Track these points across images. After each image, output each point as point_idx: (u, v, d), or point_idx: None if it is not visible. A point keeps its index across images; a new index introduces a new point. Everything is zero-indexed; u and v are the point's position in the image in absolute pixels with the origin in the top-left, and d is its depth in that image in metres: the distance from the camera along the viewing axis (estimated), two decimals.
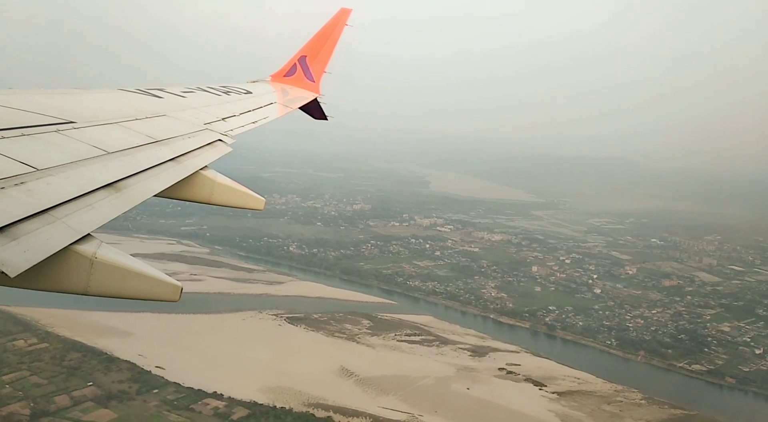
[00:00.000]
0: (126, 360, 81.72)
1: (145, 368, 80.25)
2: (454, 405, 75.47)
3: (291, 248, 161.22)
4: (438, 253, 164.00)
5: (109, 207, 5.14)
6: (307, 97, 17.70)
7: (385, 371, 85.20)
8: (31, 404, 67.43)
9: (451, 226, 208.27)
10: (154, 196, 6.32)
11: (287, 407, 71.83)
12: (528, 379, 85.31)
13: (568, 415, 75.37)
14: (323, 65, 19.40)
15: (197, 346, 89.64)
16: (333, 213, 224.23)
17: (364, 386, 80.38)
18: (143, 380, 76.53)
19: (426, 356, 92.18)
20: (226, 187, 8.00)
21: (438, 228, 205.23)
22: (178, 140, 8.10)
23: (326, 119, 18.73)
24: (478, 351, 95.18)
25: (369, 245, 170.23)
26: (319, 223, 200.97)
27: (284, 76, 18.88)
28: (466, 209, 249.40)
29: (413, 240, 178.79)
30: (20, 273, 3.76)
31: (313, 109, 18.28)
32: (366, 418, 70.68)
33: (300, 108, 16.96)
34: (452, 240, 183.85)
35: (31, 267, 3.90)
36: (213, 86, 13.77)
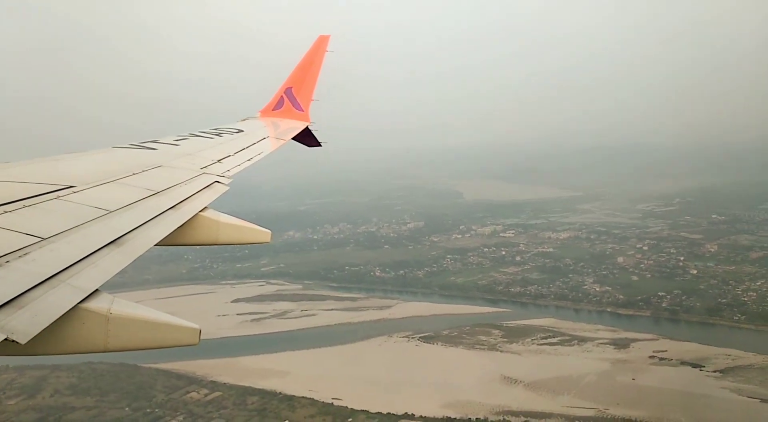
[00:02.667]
0: (302, 397, 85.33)
1: (324, 401, 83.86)
2: (630, 396, 78.76)
3: (376, 273, 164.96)
4: (518, 258, 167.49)
5: (112, 262, 5.20)
6: (299, 127, 17.80)
7: (545, 374, 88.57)
8: None
9: (513, 231, 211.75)
10: (158, 245, 6.44)
11: (482, 417, 75.31)
12: (683, 363, 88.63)
13: (742, 389, 78.59)
14: (309, 94, 19.57)
15: (354, 375, 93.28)
16: (392, 234, 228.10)
17: (536, 390, 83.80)
18: (331, 412, 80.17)
19: (573, 355, 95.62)
20: (230, 225, 8.25)
21: (500, 234, 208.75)
22: (176, 188, 8.26)
23: (320, 146, 18.80)
24: (619, 344, 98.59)
25: (448, 259, 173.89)
26: (386, 246, 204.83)
27: (273, 109, 19.11)
28: (514, 213, 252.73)
29: (486, 249, 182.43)
30: (36, 340, 3.87)
31: (306, 138, 18.38)
32: (558, 418, 73.99)
33: (293, 138, 16.99)
34: (522, 244, 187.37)
35: (47, 332, 4.01)
36: (204, 130, 14.07)
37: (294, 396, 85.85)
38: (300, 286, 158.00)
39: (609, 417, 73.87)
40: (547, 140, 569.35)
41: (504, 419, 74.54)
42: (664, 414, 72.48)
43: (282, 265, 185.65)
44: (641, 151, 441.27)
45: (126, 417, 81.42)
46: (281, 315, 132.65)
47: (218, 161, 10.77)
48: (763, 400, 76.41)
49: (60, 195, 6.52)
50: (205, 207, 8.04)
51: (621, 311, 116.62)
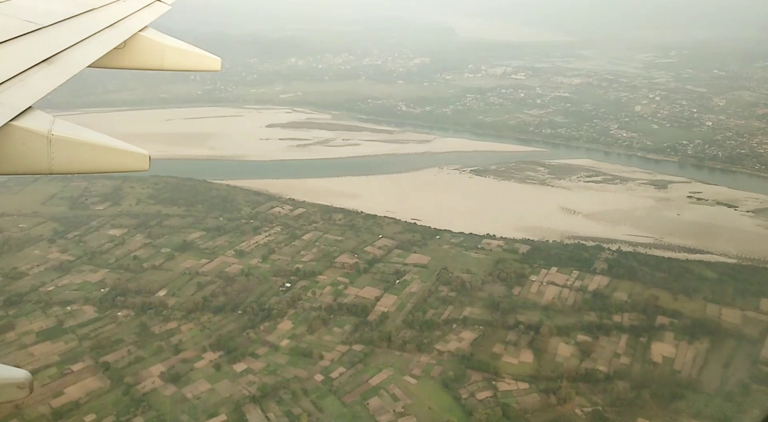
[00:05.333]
0: (383, 216, 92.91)
1: (405, 220, 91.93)
2: (679, 228, 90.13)
3: (402, 107, 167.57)
4: (539, 101, 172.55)
5: (45, 81, 5.01)
6: None
7: (599, 207, 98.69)
8: (356, 257, 79.51)
9: (523, 73, 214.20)
10: (95, 66, 6.14)
11: (558, 240, 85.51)
12: (718, 202, 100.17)
13: None
14: None
15: (422, 200, 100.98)
16: (401, 69, 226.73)
17: (594, 220, 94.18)
18: (416, 230, 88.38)
19: (619, 193, 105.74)
20: (177, 49, 7.88)
21: (512, 76, 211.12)
22: (113, 5, 7.70)
23: None
24: (657, 184, 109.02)
25: (469, 98, 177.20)
26: (400, 82, 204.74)
27: None
28: (516, 55, 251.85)
29: (503, 90, 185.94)
30: None
31: None
32: (623, 244, 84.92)
33: None
34: (538, 87, 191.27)
35: None
36: None
37: (376, 215, 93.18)
38: (329, 116, 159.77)
39: (666, 244, 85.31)
40: None
41: (578, 242, 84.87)
42: (712, 245, 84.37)
43: (300, 93, 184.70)
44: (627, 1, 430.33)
45: (225, 226, 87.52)
46: (324, 142, 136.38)
47: None
48: None
49: None
50: (146, 26, 7.56)
51: (650, 156, 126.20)
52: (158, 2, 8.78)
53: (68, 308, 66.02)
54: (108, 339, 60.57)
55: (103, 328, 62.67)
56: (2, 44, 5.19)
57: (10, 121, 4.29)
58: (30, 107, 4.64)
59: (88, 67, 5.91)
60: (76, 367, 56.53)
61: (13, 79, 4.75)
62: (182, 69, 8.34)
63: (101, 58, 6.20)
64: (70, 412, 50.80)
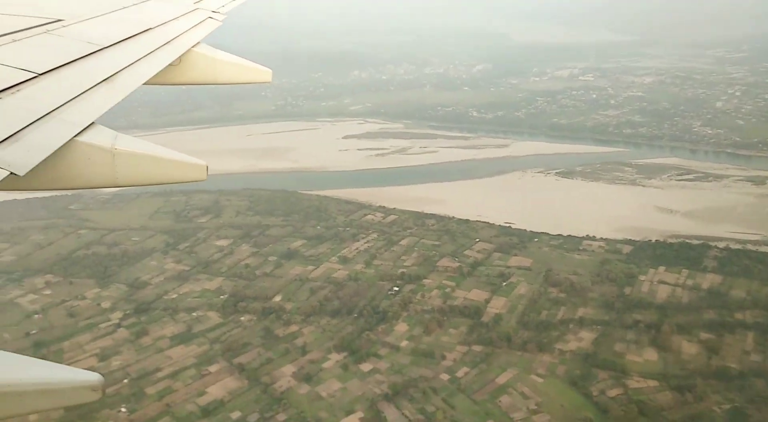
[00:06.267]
0: (476, 221, 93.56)
1: (499, 224, 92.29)
2: None
3: (473, 113, 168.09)
4: (613, 102, 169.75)
5: (105, 98, 5.20)
6: None
7: (696, 205, 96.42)
8: (457, 261, 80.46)
9: (591, 75, 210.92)
10: (151, 83, 6.40)
11: (660, 240, 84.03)
12: None
13: None
14: None
15: (512, 203, 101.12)
16: (464, 76, 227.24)
17: (693, 218, 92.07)
18: (512, 233, 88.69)
19: (714, 190, 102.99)
20: (228, 63, 8.07)
21: (580, 78, 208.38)
22: (169, 24, 8.01)
23: None
24: (755, 180, 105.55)
25: (539, 101, 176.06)
26: (466, 88, 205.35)
27: None
28: (578, 57, 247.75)
29: (574, 92, 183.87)
30: (42, 173, 4.15)
31: None
32: (730, 242, 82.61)
33: None
34: (609, 88, 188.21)
35: (50, 166, 4.23)
36: None
37: (468, 219, 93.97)
38: (401, 125, 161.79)
39: None
40: None
41: (682, 241, 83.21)
42: None
43: (369, 104, 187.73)
44: None
45: (324, 234, 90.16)
46: (402, 151, 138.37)
47: None
48: None
49: (49, 29, 6.26)
50: (198, 42, 7.80)
51: (741, 152, 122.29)
52: (210, 19, 9.01)
53: (194, 314, 69.57)
54: (237, 342, 63.49)
55: (230, 332, 65.75)
56: (66, 66, 5.44)
57: (75, 137, 4.47)
58: (93, 123, 4.79)
59: (145, 84, 6.12)
60: (212, 368, 59.54)
61: (76, 99, 4.94)
62: (235, 82, 8.52)
63: (158, 74, 6.46)
64: (216, 410, 53.58)
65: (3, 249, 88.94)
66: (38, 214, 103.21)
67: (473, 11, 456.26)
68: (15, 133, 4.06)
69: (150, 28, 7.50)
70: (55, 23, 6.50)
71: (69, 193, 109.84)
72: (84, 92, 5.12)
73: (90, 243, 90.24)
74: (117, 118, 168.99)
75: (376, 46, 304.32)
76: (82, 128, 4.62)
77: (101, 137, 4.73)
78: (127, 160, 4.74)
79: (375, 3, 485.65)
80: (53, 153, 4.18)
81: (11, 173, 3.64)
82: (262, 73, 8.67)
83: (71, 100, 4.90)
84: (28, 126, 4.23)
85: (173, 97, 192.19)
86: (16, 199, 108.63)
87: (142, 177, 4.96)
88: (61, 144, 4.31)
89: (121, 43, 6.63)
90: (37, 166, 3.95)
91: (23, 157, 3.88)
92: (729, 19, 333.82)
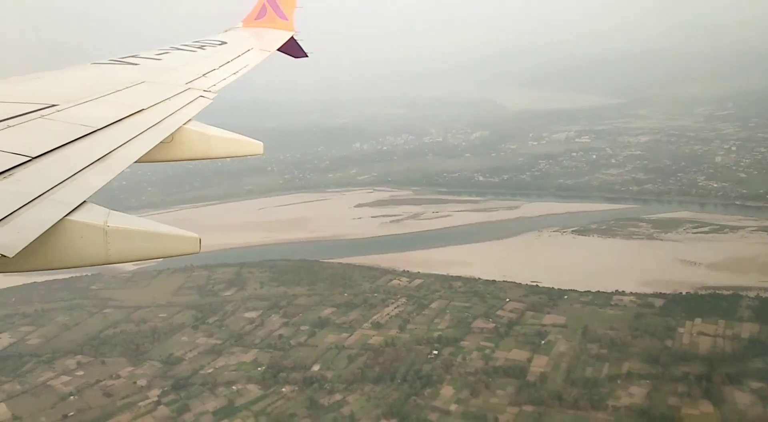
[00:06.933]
0: (502, 281, 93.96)
1: (524, 283, 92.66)
2: None
3: (479, 178, 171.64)
4: (614, 161, 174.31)
5: (98, 177, 5.27)
6: (284, 37, 17.02)
7: (718, 256, 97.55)
8: (491, 321, 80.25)
9: (587, 137, 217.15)
10: (144, 161, 6.52)
11: (691, 292, 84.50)
12: None
13: None
14: (293, 0, 18.63)
15: (534, 262, 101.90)
16: (464, 144, 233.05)
17: (719, 269, 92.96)
18: (540, 292, 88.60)
19: (732, 241, 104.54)
20: (219, 138, 8.27)
21: (576, 140, 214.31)
22: (161, 105, 8.21)
23: (306, 56, 18.02)
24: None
25: (541, 164, 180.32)
26: (468, 155, 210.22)
27: (255, 19, 18.29)
28: (571, 121, 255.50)
29: (574, 154, 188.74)
30: (34, 253, 4.19)
31: (292, 48, 17.54)
32: (759, 290, 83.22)
33: (278, 50, 16.31)
34: (607, 148, 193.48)
35: (41, 246, 4.27)
36: (187, 43, 13.69)
37: (495, 280, 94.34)
38: (410, 192, 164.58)
39: None
40: (557, 46, 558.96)
41: (713, 292, 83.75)
42: None
43: (375, 174, 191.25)
44: (663, 57, 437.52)
45: (352, 301, 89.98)
46: (415, 216, 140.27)
47: (203, 75, 10.62)
48: None
49: (44, 114, 6.48)
50: (189, 119, 8.01)
51: (750, 203, 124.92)
52: (201, 97, 9.17)
53: (233, 387, 68.39)
54: (283, 414, 62.28)
55: (274, 404, 64.51)
56: (60, 148, 5.54)
57: (66, 216, 4.51)
58: (85, 202, 4.84)
59: (137, 161, 6.21)
60: None
61: (68, 179, 4.99)
62: (228, 156, 8.77)
63: (151, 152, 6.57)
64: None
65: (29, 333, 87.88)
66: (60, 296, 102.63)
67: (462, 82, 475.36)
68: (6, 216, 4.09)
69: (142, 109, 7.70)
70: (49, 108, 6.72)
71: (89, 273, 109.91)
72: (76, 173, 5.18)
73: (117, 321, 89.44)
74: (129, 199, 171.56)
75: (372, 119, 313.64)
76: (73, 207, 4.65)
77: (93, 215, 4.75)
78: (120, 236, 4.76)
79: (364, 77, 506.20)
80: (44, 233, 4.21)
81: (1, 255, 3.68)
82: (253, 146, 8.84)
83: (64, 181, 4.95)
84: (19, 208, 4.26)
85: (182, 175, 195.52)
86: (35, 282, 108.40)
87: (136, 253, 4.96)
88: (52, 224, 4.32)
89: (113, 124, 6.79)
90: (28, 246, 3.98)
91: (13, 238, 3.91)
92: (707, 77, 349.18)
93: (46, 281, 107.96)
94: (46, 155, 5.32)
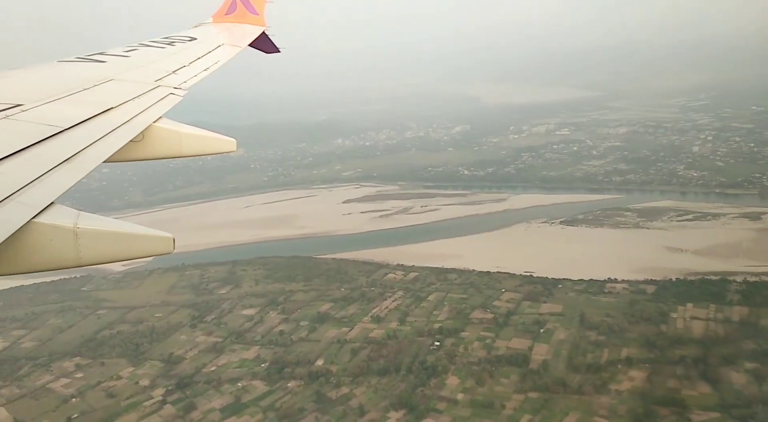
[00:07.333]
0: (496, 272, 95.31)
1: (518, 273, 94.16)
2: None
3: (464, 172, 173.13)
4: (594, 152, 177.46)
5: (65, 178, 5.13)
6: (255, 32, 16.92)
7: (703, 243, 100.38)
8: (489, 312, 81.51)
9: (566, 129, 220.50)
10: (114, 160, 6.53)
11: (681, 278, 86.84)
12: None
13: None
14: None
15: (524, 253, 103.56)
16: (446, 138, 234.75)
17: (705, 255, 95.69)
18: (535, 281, 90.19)
19: (716, 228, 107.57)
20: (193, 135, 8.17)
21: (556, 133, 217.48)
22: (130, 102, 8.03)
23: (278, 51, 17.88)
24: (751, 217, 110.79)
25: (524, 156, 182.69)
26: (450, 149, 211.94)
27: (226, 14, 18.09)
28: (550, 114, 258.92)
29: (555, 146, 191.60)
30: (4, 257, 4.15)
31: (263, 44, 17.39)
32: (745, 275, 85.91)
33: (250, 45, 16.14)
34: (587, 140, 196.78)
35: (9, 249, 4.21)
36: (155, 40, 13.45)
37: (489, 271, 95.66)
38: (396, 187, 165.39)
39: None
40: (532, 41, 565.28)
41: (702, 278, 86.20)
42: None
43: (360, 170, 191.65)
44: (636, 50, 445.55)
45: (350, 295, 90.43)
46: (404, 211, 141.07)
47: (173, 72, 10.43)
48: None
49: (8, 114, 6.32)
50: (160, 117, 7.91)
51: (729, 191, 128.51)
52: (172, 95, 9.01)
53: (238, 384, 68.41)
54: (292, 408, 62.57)
55: (281, 399, 64.77)
56: (25, 150, 5.40)
57: (33, 218, 4.40)
58: (53, 203, 4.70)
59: (107, 161, 6.10)
60: None
61: (35, 181, 4.86)
62: (200, 153, 8.52)
63: (121, 150, 6.47)
64: None
65: (22, 336, 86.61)
66: (50, 298, 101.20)
67: (435, 76, 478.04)
68: None
69: (111, 108, 7.51)
70: (14, 108, 6.54)
71: (78, 275, 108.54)
72: (43, 174, 5.03)
73: (112, 322, 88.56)
74: (111, 199, 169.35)
75: (351, 115, 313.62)
76: (40, 209, 4.52)
77: (62, 217, 4.62)
78: (91, 238, 4.64)
79: (338, 76, 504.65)
80: (11, 236, 4.10)
81: None
82: (226, 143, 8.73)
83: (30, 182, 4.81)
84: None
85: (163, 175, 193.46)
86: (23, 285, 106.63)
87: (108, 254, 4.82)
88: (19, 226, 4.21)
89: (81, 123, 6.60)
90: None
91: None
92: (680, 69, 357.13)
93: (33, 284, 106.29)
94: (12, 157, 5.15)
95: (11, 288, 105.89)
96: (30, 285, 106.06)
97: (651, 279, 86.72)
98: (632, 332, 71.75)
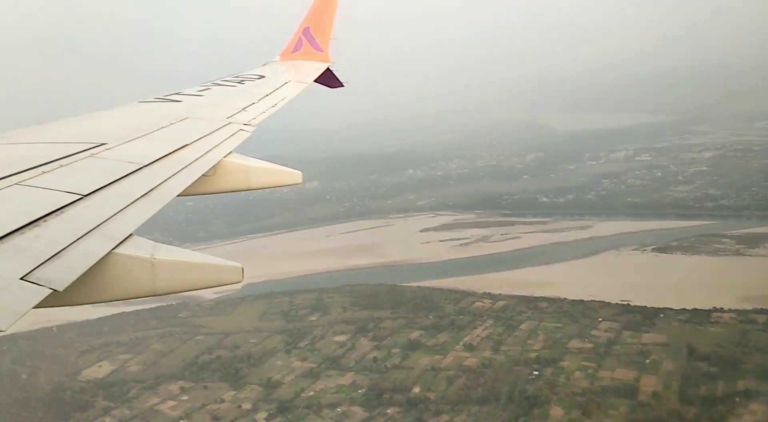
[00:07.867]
0: (590, 300, 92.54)
1: (614, 302, 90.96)
2: None
3: (543, 199, 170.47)
4: (680, 178, 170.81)
5: (142, 212, 5.47)
6: (320, 68, 17.48)
7: None
8: (587, 341, 79.07)
9: (647, 155, 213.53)
10: (187, 194, 6.74)
11: None
12: None
13: None
14: (328, 32, 19.00)
15: (618, 281, 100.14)
16: (520, 166, 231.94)
17: None
18: (633, 311, 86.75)
19: None
20: (260, 169, 8.47)
21: (636, 159, 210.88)
22: (203, 139, 8.44)
23: (343, 86, 18.45)
24: None
25: (604, 183, 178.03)
26: (526, 176, 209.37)
27: (292, 51, 18.71)
28: (627, 139, 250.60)
29: (637, 172, 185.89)
30: (84, 287, 4.38)
31: (328, 79, 17.97)
32: None
33: (315, 81, 16.67)
34: (671, 165, 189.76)
35: (91, 279, 4.43)
36: (226, 78, 14.12)
37: (582, 300, 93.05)
38: (473, 216, 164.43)
39: None
40: (604, 69, 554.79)
41: None
42: None
43: (434, 199, 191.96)
44: (713, 73, 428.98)
45: (438, 323, 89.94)
46: (484, 239, 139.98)
47: (243, 109, 10.87)
48: None
49: (94, 152, 6.76)
50: (230, 152, 8.23)
51: None
52: (241, 131, 9.42)
53: (338, 410, 69.08)
54: None
55: None
56: (109, 185, 5.78)
57: (113, 249, 4.66)
58: (131, 235, 4.98)
59: (180, 195, 6.41)
60: None
61: (116, 215, 5.16)
62: (268, 186, 8.87)
63: (193, 185, 6.79)
64: None
65: (128, 360, 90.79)
66: (151, 324, 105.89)
67: (505, 106, 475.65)
68: (57, 253, 4.24)
69: (185, 145, 7.91)
70: (99, 147, 6.99)
71: (173, 302, 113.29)
72: (123, 208, 5.35)
73: (210, 347, 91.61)
74: (197, 230, 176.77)
75: (419, 145, 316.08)
76: (119, 241, 4.80)
77: (139, 248, 4.88)
78: (166, 268, 4.89)
79: (398, 104, 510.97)
80: (93, 267, 4.35)
81: (53, 290, 3.83)
82: (292, 176, 9.04)
83: (112, 216, 5.10)
84: (70, 245, 4.41)
85: (246, 207, 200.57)
86: (124, 312, 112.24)
87: (181, 284, 5.06)
88: (100, 257, 4.47)
89: (159, 160, 7.02)
90: (78, 280, 4.12)
91: (63, 272, 4.05)
92: (760, 91, 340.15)
93: (134, 311, 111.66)
94: (96, 192, 5.49)
95: (113, 314, 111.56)
96: (131, 312, 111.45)
97: (761, 308, 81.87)
98: (747, 363, 67.71)
